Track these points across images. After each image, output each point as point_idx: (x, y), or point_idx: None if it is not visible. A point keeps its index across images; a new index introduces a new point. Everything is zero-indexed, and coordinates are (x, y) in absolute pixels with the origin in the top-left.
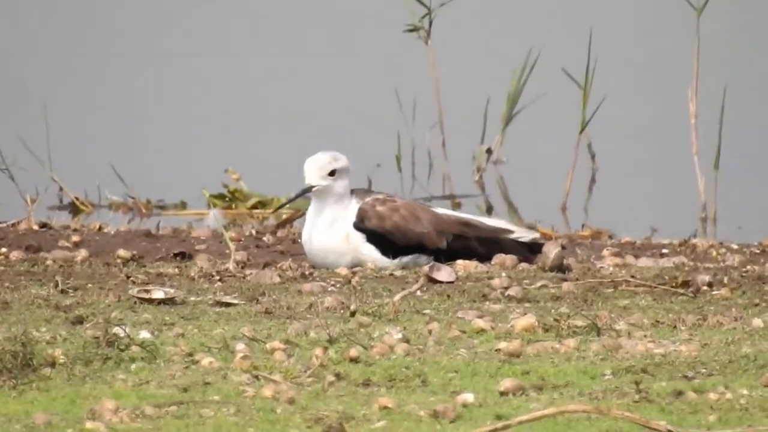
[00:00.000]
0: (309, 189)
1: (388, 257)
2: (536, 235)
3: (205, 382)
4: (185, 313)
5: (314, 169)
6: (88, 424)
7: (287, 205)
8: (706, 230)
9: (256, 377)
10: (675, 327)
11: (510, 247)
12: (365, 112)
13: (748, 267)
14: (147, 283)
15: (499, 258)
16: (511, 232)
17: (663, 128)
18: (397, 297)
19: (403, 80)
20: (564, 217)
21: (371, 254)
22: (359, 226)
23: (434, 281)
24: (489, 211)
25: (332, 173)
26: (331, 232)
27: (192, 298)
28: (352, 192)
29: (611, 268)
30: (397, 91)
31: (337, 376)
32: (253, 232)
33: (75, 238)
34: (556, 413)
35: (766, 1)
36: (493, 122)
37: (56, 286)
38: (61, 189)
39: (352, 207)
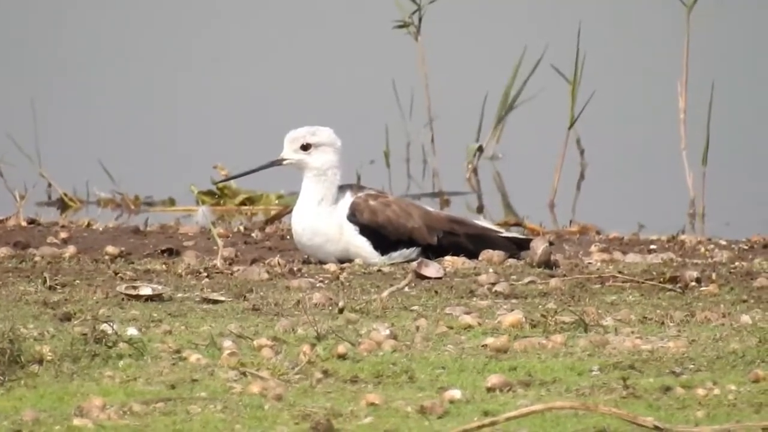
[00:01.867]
0: (279, 161)
1: (379, 251)
2: (524, 236)
3: (193, 378)
4: (173, 309)
5: (288, 142)
6: (76, 421)
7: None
8: (695, 226)
9: (244, 374)
10: (663, 323)
11: (498, 244)
12: (359, 109)
13: (736, 263)
14: (135, 280)
15: (486, 254)
16: (499, 232)
17: (651, 124)
18: (384, 293)
19: (399, 76)
20: (552, 213)
21: (363, 246)
22: (352, 219)
23: (422, 277)
24: (479, 209)
25: (306, 147)
26: (320, 212)
27: (179, 295)
28: (347, 186)
29: (599, 264)
30: (394, 86)
31: (325, 372)
32: (242, 228)
33: (63, 234)
34: (543, 409)
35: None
36: (489, 118)
37: (44, 282)
38: (49, 185)
39: (346, 200)
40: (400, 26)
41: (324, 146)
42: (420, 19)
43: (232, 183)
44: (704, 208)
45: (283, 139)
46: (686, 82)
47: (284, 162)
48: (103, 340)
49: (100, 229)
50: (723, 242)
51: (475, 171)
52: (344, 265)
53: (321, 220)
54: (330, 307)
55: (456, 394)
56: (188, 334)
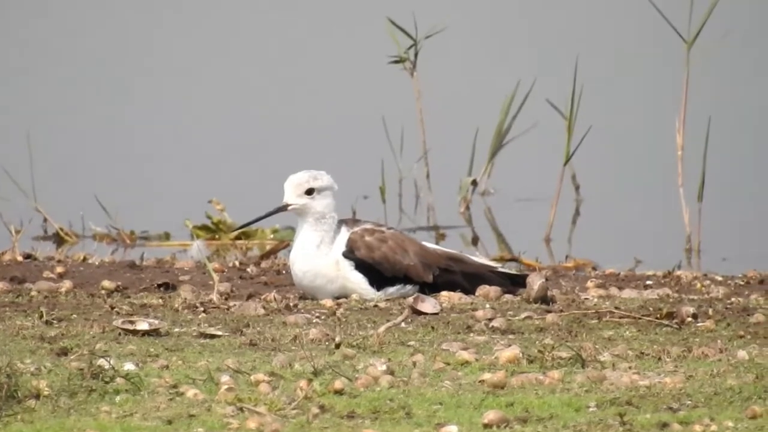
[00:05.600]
0: (284, 207)
1: (374, 287)
2: (520, 272)
3: (190, 414)
4: (170, 344)
5: (291, 187)
6: None
7: (255, 223)
8: (691, 262)
9: (241, 409)
10: (660, 359)
11: (494, 283)
12: (352, 144)
13: (733, 299)
14: (131, 314)
15: (483, 289)
16: (495, 268)
17: (647, 159)
18: (381, 329)
19: (391, 111)
20: (548, 248)
21: (359, 283)
22: (348, 255)
23: (418, 313)
24: (474, 242)
25: (310, 192)
26: (319, 255)
27: (176, 330)
28: (342, 221)
29: (595, 300)
30: (384, 122)
31: (322, 408)
32: (237, 263)
33: (59, 269)
34: None
35: (753, 35)
36: (481, 153)
37: (41, 317)
38: (45, 220)
39: (342, 235)
40: (396, 61)
41: (326, 190)
42: (416, 55)
43: (227, 217)
44: (700, 243)
45: (279, 178)
46: (684, 119)
47: (289, 207)
48: (100, 375)
49: (96, 263)
50: (719, 278)
51: (468, 205)
52: (341, 300)
53: (321, 261)
54: (327, 343)
55: (453, 430)
56: (185, 368)
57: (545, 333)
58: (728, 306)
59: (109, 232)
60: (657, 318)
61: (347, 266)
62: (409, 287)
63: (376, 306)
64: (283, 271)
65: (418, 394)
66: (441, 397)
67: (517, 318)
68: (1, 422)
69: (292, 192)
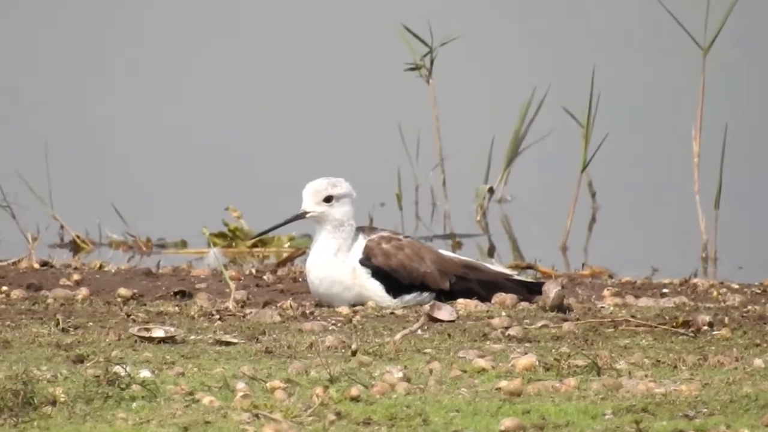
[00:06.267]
0: (302, 215)
1: (391, 294)
2: (536, 280)
3: (206, 421)
4: (185, 351)
5: (309, 195)
6: None
7: (272, 231)
8: (707, 270)
9: (257, 416)
10: (676, 366)
11: (510, 290)
12: (369, 151)
13: (749, 307)
14: (147, 322)
15: (499, 297)
16: (511, 276)
17: (664, 166)
18: (397, 336)
19: (408, 118)
20: (564, 256)
21: (375, 290)
22: (365, 262)
23: (435, 320)
24: (491, 251)
25: (328, 199)
26: (336, 262)
27: (192, 337)
28: (359, 229)
29: (611, 308)
30: (400, 130)
31: (338, 415)
32: (253, 270)
33: (76, 276)
34: None
35: None
36: (498, 161)
37: (57, 324)
38: (61, 227)
39: (359, 243)
40: (412, 69)
41: (344, 198)
42: (432, 62)
43: (244, 225)
44: (717, 251)
45: (296, 185)
46: (700, 127)
47: (307, 215)
48: (116, 382)
49: (113, 271)
50: (735, 286)
51: (484, 213)
52: (357, 308)
53: (337, 269)
54: (343, 350)
55: None
56: (201, 376)
57: (561, 341)
58: (744, 314)
59: (125, 240)
60: (673, 326)
61: (364, 274)
62: (425, 295)
63: (392, 313)
64: (300, 279)
65: (435, 401)
66: (458, 404)
67: (533, 326)
68: (18, 429)
69: (310, 199)
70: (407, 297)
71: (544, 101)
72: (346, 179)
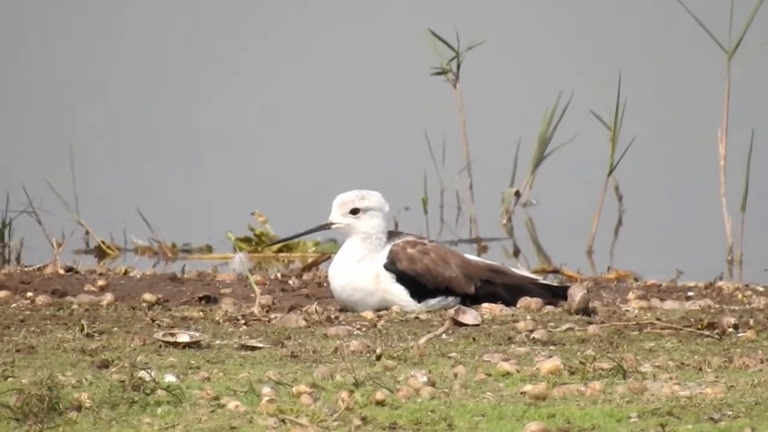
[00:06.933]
0: (327, 226)
1: (416, 299)
2: (561, 284)
3: (232, 426)
4: (211, 356)
5: (337, 206)
6: None
7: (296, 239)
8: (732, 273)
9: (283, 421)
10: (701, 369)
11: (536, 294)
12: (394, 155)
13: None
14: (172, 327)
15: (524, 301)
16: (537, 280)
17: (689, 170)
18: (422, 340)
19: (433, 122)
20: (590, 259)
21: (400, 295)
22: (390, 267)
23: (459, 324)
24: (516, 254)
25: (355, 211)
26: (359, 269)
27: (217, 342)
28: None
29: (636, 311)
30: (426, 134)
31: (364, 419)
32: (279, 275)
33: (101, 282)
34: None
35: None
36: (523, 164)
37: (82, 330)
38: (87, 233)
39: (384, 247)
40: (439, 73)
41: (372, 211)
42: (458, 66)
43: (270, 230)
44: (742, 254)
45: (322, 189)
46: (726, 129)
47: (332, 226)
48: (141, 387)
49: (138, 276)
50: (761, 288)
51: (510, 217)
52: (381, 312)
53: (359, 276)
54: (368, 354)
55: None
56: (227, 380)
57: (586, 344)
58: None
59: (150, 245)
60: (698, 329)
61: (388, 278)
62: (450, 299)
63: (416, 318)
64: (325, 284)
65: (460, 405)
66: (483, 408)
67: (558, 329)
68: None
69: (337, 210)
70: (432, 301)
71: (569, 105)
72: (374, 187)
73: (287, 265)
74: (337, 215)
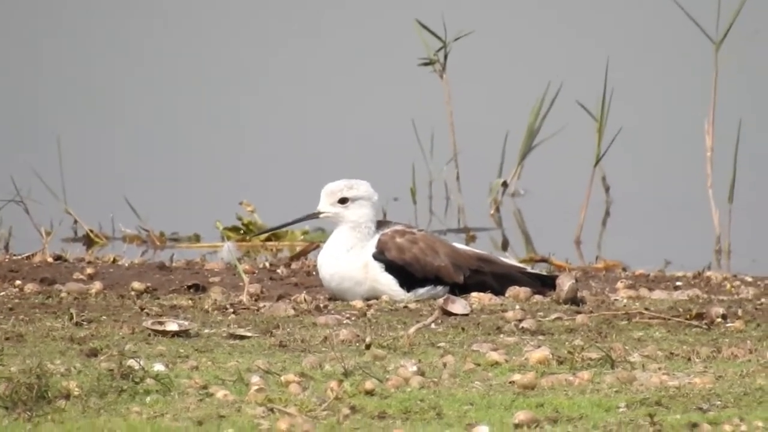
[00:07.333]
0: (316, 215)
1: (405, 288)
2: (550, 273)
3: (220, 414)
4: (199, 345)
5: (325, 195)
6: None
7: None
8: (720, 263)
9: (271, 410)
10: (689, 359)
11: (524, 283)
12: (383, 145)
13: (762, 299)
14: (161, 316)
15: (512, 290)
16: (525, 269)
17: (677, 160)
18: (411, 330)
19: (421, 113)
20: (578, 249)
21: (389, 284)
22: (378, 256)
23: (449, 314)
24: (504, 245)
25: (343, 201)
26: (348, 258)
27: (206, 331)
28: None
29: (625, 301)
30: (414, 124)
31: (353, 408)
32: (267, 264)
33: (89, 270)
34: None
35: None
36: (511, 155)
37: (71, 318)
38: (75, 221)
39: (373, 237)
40: (426, 64)
41: (361, 200)
42: (446, 57)
43: (258, 219)
44: (730, 244)
45: (310, 179)
46: (713, 120)
47: (321, 215)
48: (130, 375)
49: (126, 265)
50: (749, 279)
51: (498, 207)
52: (371, 301)
53: (348, 265)
54: (357, 344)
55: (483, 430)
56: (215, 369)
57: (575, 334)
58: (758, 307)
59: (139, 234)
60: (686, 319)
61: (377, 268)
62: (439, 288)
63: (406, 307)
64: (314, 273)
65: (449, 394)
66: (471, 397)
67: (547, 319)
68: (32, 423)
69: (326, 200)
70: (421, 291)
71: (557, 96)
72: (363, 177)
73: (276, 254)
74: (326, 204)
